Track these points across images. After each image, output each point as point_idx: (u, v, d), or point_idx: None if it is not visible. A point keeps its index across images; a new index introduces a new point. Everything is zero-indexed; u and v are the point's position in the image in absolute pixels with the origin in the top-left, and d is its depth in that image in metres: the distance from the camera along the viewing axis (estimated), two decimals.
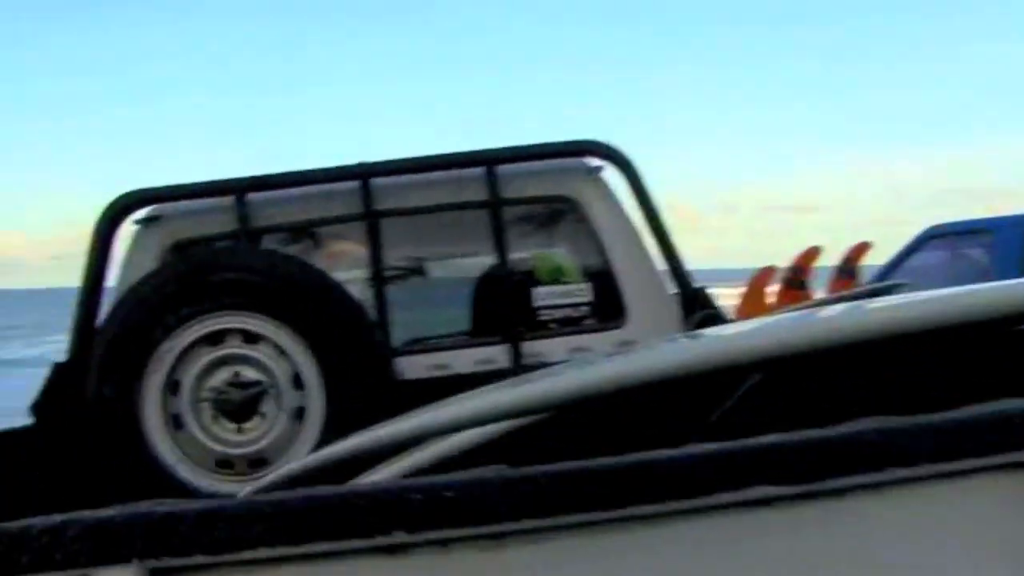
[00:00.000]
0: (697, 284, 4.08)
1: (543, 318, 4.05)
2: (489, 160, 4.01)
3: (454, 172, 4.05)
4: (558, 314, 4.04)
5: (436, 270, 4.44)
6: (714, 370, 1.49)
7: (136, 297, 3.63)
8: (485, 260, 4.19)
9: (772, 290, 11.16)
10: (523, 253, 4.16)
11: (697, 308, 3.99)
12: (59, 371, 3.79)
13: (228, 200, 3.98)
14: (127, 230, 4.03)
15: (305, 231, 4.15)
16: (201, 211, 4.07)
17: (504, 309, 4.03)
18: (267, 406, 3.63)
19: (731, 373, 1.76)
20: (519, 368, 3.88)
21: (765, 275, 11.63)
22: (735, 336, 1.55)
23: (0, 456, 3.44)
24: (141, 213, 4.05)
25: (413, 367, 3.93)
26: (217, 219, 4.01)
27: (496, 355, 3.98)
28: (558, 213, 4.17)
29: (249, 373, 3.64)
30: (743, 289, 11.32)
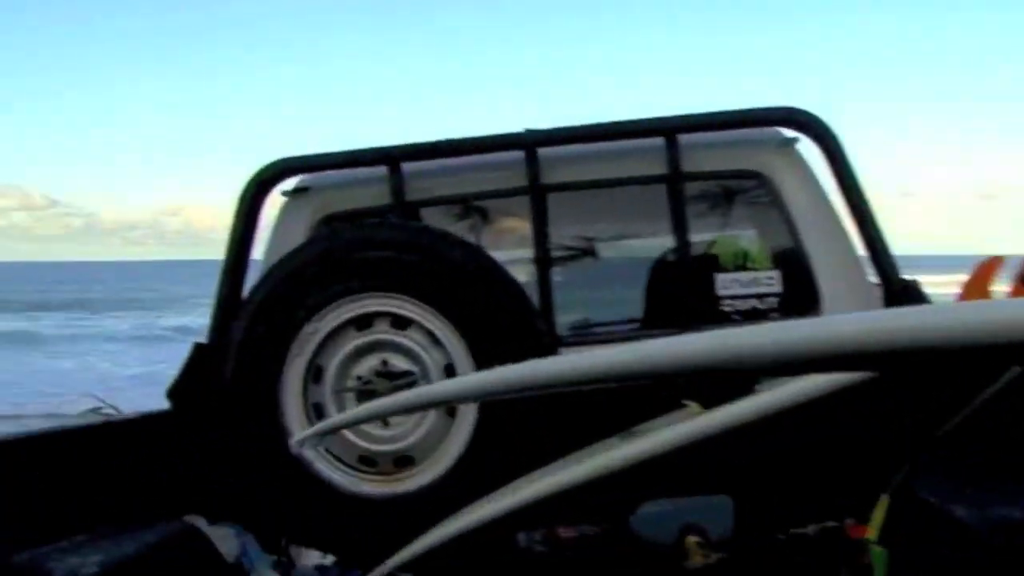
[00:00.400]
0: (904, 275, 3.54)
1: (726, 308, 3.60)
2: (669, 129, 3.57)
3: (630, 142, 3.61)
4: (743, 304, 3.59)
5: (606, 251, 4.06)
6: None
7: (280, 274, 3.36)
8: (662, 242, 3.76)
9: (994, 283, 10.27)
10: (704, 235, 3.72)
11: (904, 301, 3.45)
12: (199, 352, 3.55)
13: (382, 170, 3.68)
14: (275, 202, 3.81)
15: (464, 206, 3.82)
16: (354, 182, 3.79)
17: (682, 297, 3.61)
18: None
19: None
20: None
21: (991, 265, 10.66)
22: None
23: (132, 444, 3.20)
24: (290, 183, 3.80)
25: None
26: (370, 191, 3.72)
27: None
28: (746, 190, 3.71)
29: (398, 362, 3.33)
30: (963, 278, 10.50)
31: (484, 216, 3.88)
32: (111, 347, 34.19)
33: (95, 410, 9.17)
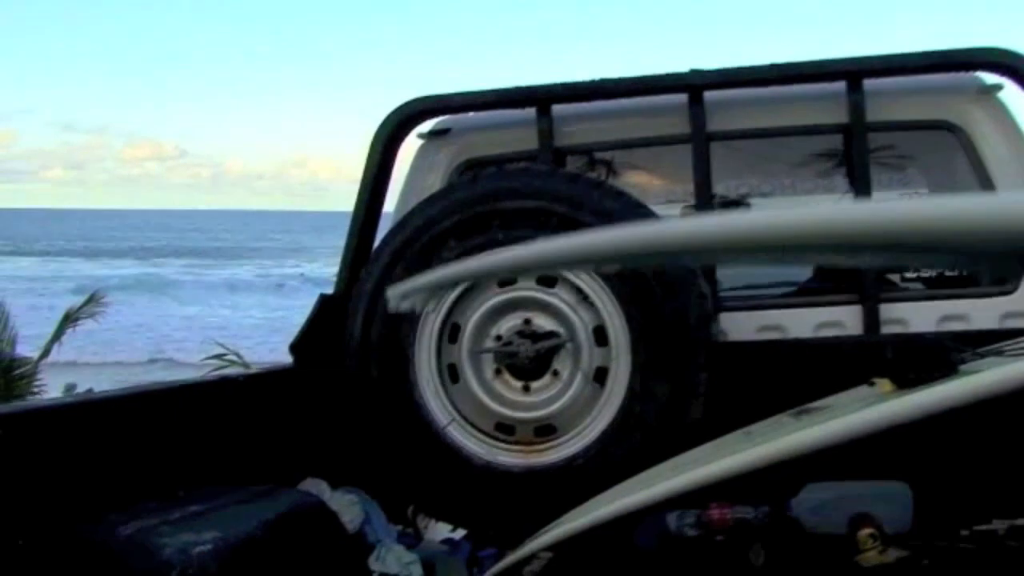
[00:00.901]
0: None
1: (908, 276, 3.24)
2: (851, 73, 3.17)
3: (805, 87, 3.24)
4: (927, 272, 3.22)
5: (772, 207, 3.66)
6: None
7: (416, 223, 3.12)
8: (837, 198, 3.39)
9: None
10: (887, 191, 3.31)
11: None
12: (325, 305, 3.31)
13: (529, 112, 3.38)
14: (410, 145, 3.56)
15: (618, 153, 3.51)
16: (497, 125, 3.52)
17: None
18: (561, 363, 3.03)
19: None
20: (873, 337, 3.12)
21: None
22: None
23: (250, 403, 2.98)
24: (427, 125, 3.56)
25: (738, 327, 3.23)
26: (515, 135, 3.46)
27: (844, 318, 3.22)
28: (937, 143, 3.31)
29: (543, 322, 3.05)
30: None
31: (638, 165, 3.58)
32: (233, 295, 34.91)
33: (219, 356, 9.18)
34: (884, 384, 2.55)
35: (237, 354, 9.09)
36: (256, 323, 26.98)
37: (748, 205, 3.63)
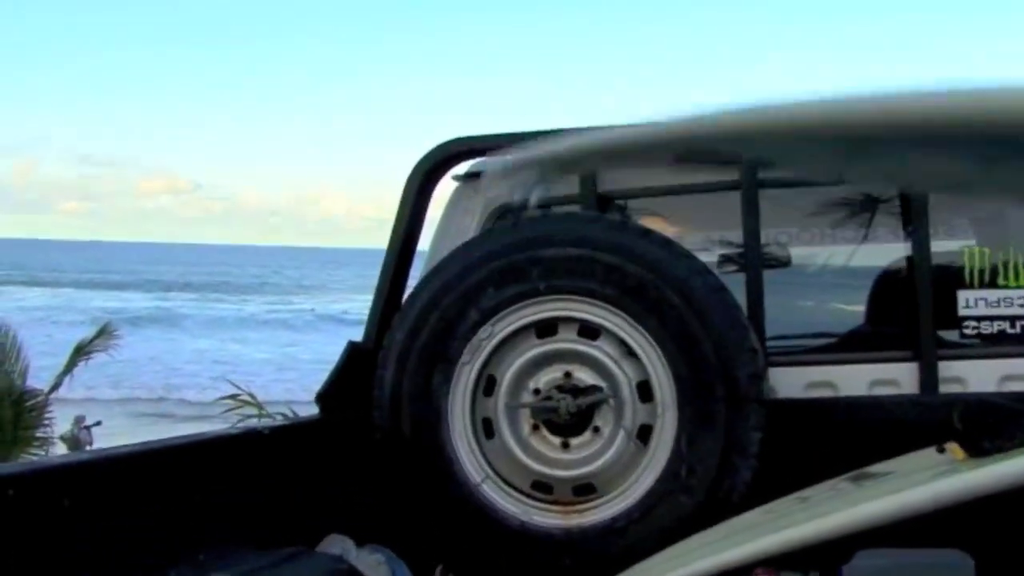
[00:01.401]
0: None
1: (969, 331, 3.08)
2: None
3: None
4: (991, 327, 3.06)
5: (819, 253, 3.55)
6: None
7: (451, 269, 3.00)
8: (892, 245, 3.29)
9: None
10: (949, 241, 3.20)
11: None
12: (354, 353, 3.18)
13: None
14: (446, 187, 3.48)
15: (662, 198, 3.39)
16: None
17: (915, 314, 3.08)
18: (603, 420, 2.91)
19: None
20: (931, 397, 2.98)
21: None
22: None
23: (274, 458, 2.84)
24: (464, 167, 3.44)
25: (786, 383, 3.07)
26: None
27: (900, 375, 3.07)
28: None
29: (584, 376, 2.92)
30: None
31: (682, 210, 3.46)
32: (244, 330, 34.89)
33: (233, 396, 9.02)
34: (955, 450, 2.41)
35: (251, 395, 8.97)
36: (266, 358, 26.91)
37: (787, 258, 3.50)
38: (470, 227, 3.36)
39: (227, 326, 35.84)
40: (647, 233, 2.92)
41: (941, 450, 2.45)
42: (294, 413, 6.36)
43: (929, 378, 3.02)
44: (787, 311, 3.39)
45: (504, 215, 3.35)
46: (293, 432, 3.07)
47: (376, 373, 3.00)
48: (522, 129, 3.30)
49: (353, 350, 3.18)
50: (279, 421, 3.25)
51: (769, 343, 3.11)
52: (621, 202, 3.40)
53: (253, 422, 7.05)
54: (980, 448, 2.32)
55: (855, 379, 3.09)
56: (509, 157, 1.14)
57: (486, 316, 2.93)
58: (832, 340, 3.37)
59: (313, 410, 3.14)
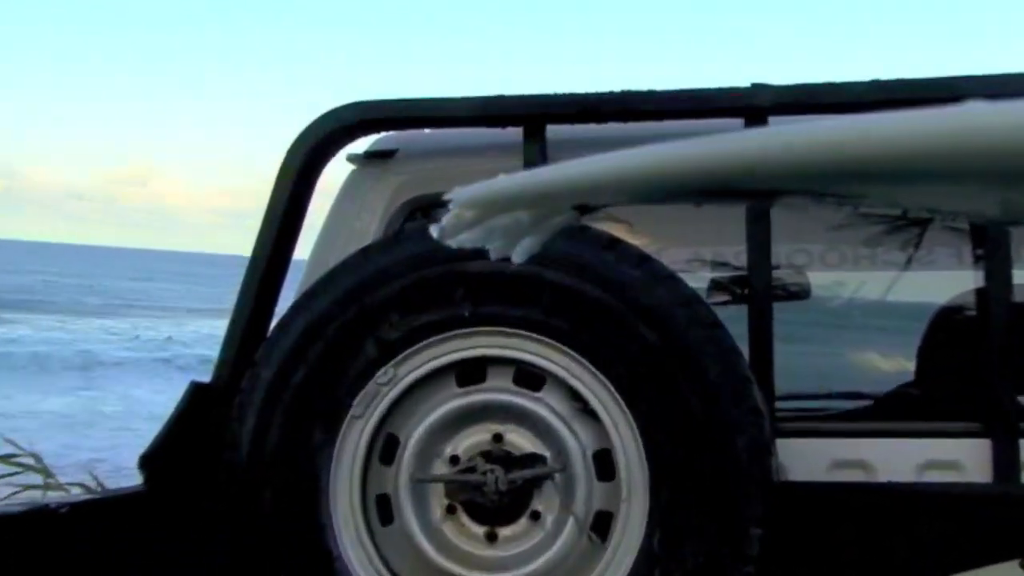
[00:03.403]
0: None
1: None
2: (977, 92, 3.15)
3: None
4: None
5: (850, 281, 3.70)
6: None
7: (341, 285, 3.06)
8: (954, 272, 3.43)
9: None
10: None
11: None
12: (198, 399, 3.25)
13: (512, 133, 3.36)
14: (338, 172, 3.61)
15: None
16: (465, 149, 3.54)
17: (988, 369, 3.19)
18: (544, 503, 2.98)
19: None
20: (1010, 487, 3.11)
21: None
22: None
23: (74, 546, 2.88)
24: (363, 144, 3.57)
25: (803, 460, 3.19)
26: (491, 165, 3.36)
27: (965, 455, 3.18)
28: None
29: (520, 441, 3.00)
30: None
31: (655, 217, 3.58)
32: (32, 366, 34.45)
33: (9, 457, 8.98)
34: None
35: (35, 456, 8.90)
36: (64, 406, 26.65)
37: (807, 288, 3.67)
38: (369, 228, 3.46)
39: (9, 361, 35.37)
40: (614, 245, 2.98)
41: None
42: (100, 484, 6.33)
43: (1007, 460, 3.12)
44: (805, 360, 3.55)
45: (418, 213, 3.47)
46: (105, 509, 3.09)
47: (229, 427, 3.04)
48: (447, 94, 3.44)
49: (196, 394, 3.23)
50: (78, 495, 3.27)
51: (780, 403, 3.20)
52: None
53: (37, 495, 7.02)
54: None
55: (899, 458, 3.18)
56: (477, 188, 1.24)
57: (387, 353, 2.99)
58: (867, 402, 3.50)
59: (134, 479, 3.18)
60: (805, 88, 3.20)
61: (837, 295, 3.71)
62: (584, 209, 1.42)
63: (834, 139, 1.03)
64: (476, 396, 3.02)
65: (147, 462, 3.15)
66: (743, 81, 3.24)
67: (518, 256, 1.47)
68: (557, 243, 2.87)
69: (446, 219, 1.35)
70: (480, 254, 2.90)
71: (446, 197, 1.32)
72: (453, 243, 1.39)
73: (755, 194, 1.52)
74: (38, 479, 8.16)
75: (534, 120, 3.34)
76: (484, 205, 1.32)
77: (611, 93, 3.30)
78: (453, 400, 3.02)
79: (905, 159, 0.99)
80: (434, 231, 1.37)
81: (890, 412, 3.41)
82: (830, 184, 1.16)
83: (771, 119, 3.18)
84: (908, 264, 3.51)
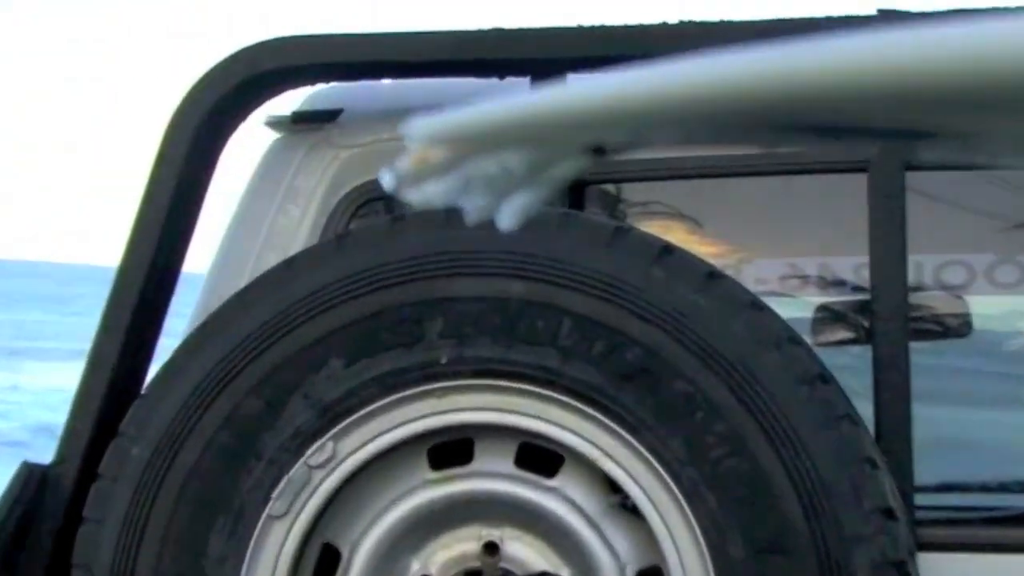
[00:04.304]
0: None
1: None
2: None
3: None
4: None
5: (953, 299, 3.54)
6: None
7: (253, 315, 2.79)
8: None
9: None
10: None
11: None
12: (34, 487, 2.94)
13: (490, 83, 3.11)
14: (251, 142, 3.41)
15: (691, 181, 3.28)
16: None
17: None
18: None
19: None
20: None
21: None
22: None
23: None
24: (288, 102, 3.30)
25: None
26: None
27: None
28: None
29: (525, 553, 2.75)
30: None
31: (720, 209, 3.40)
32: None
33: None
34: None
35: None
36: None
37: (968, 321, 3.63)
38: (299, 227, 3.16)
39: None
40: (667, 255, 2.69)
41: None
42: None
43: None
44: (963, 430, 3.40)
45: (372, 203, 3.18)
46: None
47: (80, 530, 2.78)
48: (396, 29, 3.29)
49: (31, 480, 2.95)
50: None
51: (922, 498, 2.92)
52: (609, 188, 3.31)
53: None
54: None
55: None
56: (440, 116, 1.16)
57: (325, 419, 2.73)
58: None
59: None
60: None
61: (1013, 330, 3.45)
62: (600, 151, 1.31)
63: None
64: (458, 484, 2.79)
65: None
66: None
67: (507, 219, 1.34)
68: (581, 252, 2.75)
69: (402, 162, 1.25)
70: (467, 267, 2.55)
71: (402, 130, 1.23)
72: (413, 198, 1.29)
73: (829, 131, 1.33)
74: None
75: (547, 66, 3.03)
76: (457, 142, 1.24)
77: (662, 23, 3.05)
78: (423, 490, 2.78)
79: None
80: (384, 180, 1.25)
81: None
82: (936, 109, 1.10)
83: None
84: None
